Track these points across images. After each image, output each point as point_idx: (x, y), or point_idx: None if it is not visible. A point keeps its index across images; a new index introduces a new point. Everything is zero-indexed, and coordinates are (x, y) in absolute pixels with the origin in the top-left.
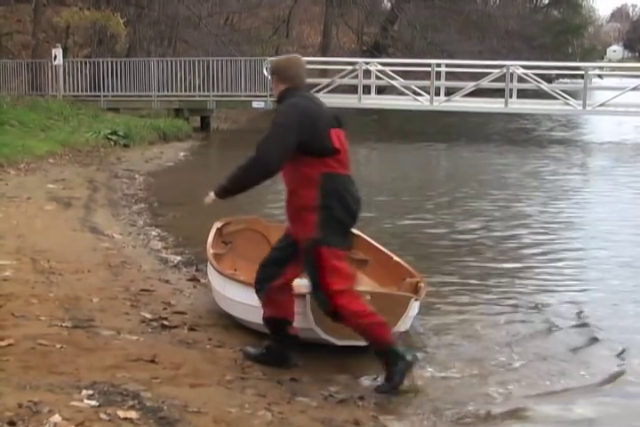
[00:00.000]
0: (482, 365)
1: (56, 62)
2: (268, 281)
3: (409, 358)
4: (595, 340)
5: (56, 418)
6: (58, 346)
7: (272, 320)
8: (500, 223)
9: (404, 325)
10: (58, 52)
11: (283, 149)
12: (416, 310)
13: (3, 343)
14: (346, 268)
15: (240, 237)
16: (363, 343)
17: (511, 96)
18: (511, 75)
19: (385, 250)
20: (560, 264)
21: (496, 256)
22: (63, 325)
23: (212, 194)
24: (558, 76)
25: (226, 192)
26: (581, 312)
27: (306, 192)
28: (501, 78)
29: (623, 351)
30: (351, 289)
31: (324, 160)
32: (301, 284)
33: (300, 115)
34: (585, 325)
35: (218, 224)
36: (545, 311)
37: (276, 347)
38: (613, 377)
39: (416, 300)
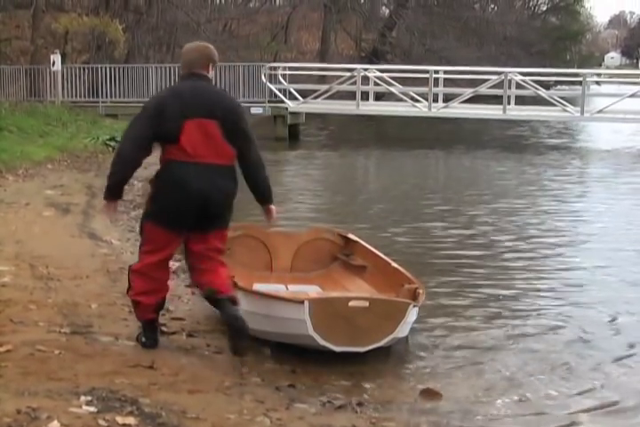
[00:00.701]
0: (485, 376)
1: (54, 68)
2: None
3: (145, 340)
4: (606, 353)
5: (54, 424)
6: (56, 352)
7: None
8: (498, 232)
9: (402, 331)
10: (56, 57)
11: (134, 139)
12: (414, 317)
13: (1, 349)
14: (155, 247)
15: (238, 244)
16: (362, 350)
17: (509, 103)
18: (509, 81)
19: (383, 256)
20: (562, 273)
21: (497, 265)
22: (62, 331)
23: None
24: (556, 83)
25: (108, 192)
26: (590, 324)
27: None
28: (499, 85)
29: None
30: (142, 267)
31: (167, 147)
32: (300, 290)
33: (153, 104)
34: (596, 337)
35: None
36: (552, 322)
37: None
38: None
39: (414, 306)
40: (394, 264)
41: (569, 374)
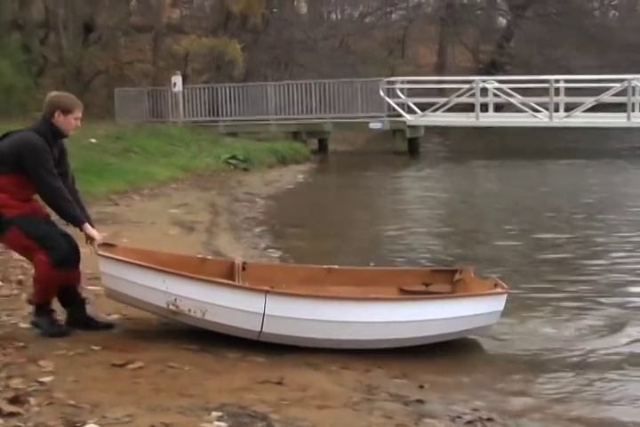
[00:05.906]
0: (620, 400)
1: (176, 89)
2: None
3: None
4: None
5: None
6: (186, 368)
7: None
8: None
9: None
10: (177, 79)
11: None
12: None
13: (133, 366)
14: None
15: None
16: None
17: (633, 110)
18: (633, 88)
19: None
20: None
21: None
22: (190, 348)
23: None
24: None
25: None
26: None
27: None
28: (623, 92)
29: None
30: None
31: None
32: None
33: None
34: None
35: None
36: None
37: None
38: None
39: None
40: None
41: None
